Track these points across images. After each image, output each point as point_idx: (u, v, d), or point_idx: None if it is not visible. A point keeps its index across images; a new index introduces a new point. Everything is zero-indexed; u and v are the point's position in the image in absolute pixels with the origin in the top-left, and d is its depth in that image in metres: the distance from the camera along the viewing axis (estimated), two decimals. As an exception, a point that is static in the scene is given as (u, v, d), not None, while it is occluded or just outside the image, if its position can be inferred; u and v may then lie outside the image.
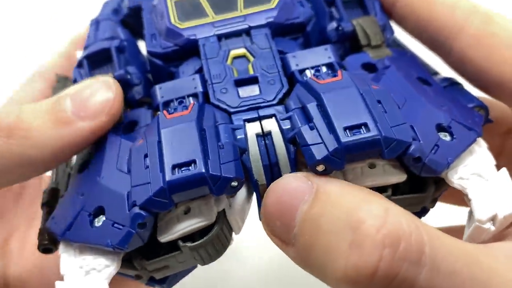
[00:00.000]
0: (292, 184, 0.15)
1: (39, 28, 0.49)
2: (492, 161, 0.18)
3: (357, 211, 0.14)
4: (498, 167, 0.18)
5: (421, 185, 0.17)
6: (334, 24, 0.21)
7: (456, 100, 0.20)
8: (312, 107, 0.17)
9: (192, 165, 0.15)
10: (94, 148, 0.19)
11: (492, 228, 0.16)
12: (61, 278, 0.17)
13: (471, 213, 0.17)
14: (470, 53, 0.20)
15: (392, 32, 0.22)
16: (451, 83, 0.21)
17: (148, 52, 0.20)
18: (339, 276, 0.14)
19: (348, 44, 0.21)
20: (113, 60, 0.21)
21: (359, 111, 0.16)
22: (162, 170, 0.15)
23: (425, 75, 0.20)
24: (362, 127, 0.16)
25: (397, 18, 0.22)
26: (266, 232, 0.15)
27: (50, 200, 0.20)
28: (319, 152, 0.15)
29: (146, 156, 0.16)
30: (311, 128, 0.16)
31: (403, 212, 0.14)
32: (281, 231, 0.15)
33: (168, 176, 0.15)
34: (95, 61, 0.21)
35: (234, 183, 0.16)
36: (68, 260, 0.17)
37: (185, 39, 0.20)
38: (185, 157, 0.15)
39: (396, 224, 0.13)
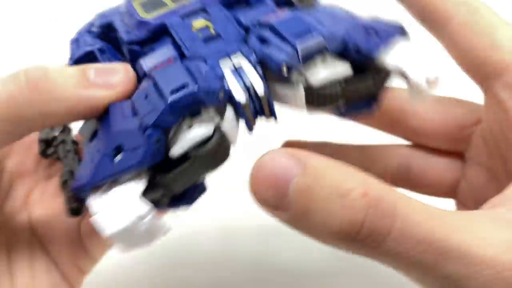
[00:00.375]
0: (282, 162, 0.17)
1: (39, 28, 0.52)
2: (415, 45, 0.22)
3: (343, 184, 0.17)
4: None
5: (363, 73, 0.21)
6: None
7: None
8: (266, 34, 0.21)
9: (185, 87, 0.19)
10: (101, 119, 0.22)
11: (427, 88, 0.20)
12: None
13: (409, 85, 0.21)
14: (457, 39, 0.23)
15: None
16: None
17: (126, 41, 0.24)
18: (335, 231, 0.17)
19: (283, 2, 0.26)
20: (98, 59, 0.25)
21: (303, 25, 0.21)
22: (163, 96, 0.19)
23: (350, 14, 0.25)
24: (308, 33, 0.20)
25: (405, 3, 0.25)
26: (256, 202, 0.18)
27: (69, 180, 0.23)
28: (279, 57, 0.20)
29: (146, 96, 0.20)
30: (268, 46, 0.21)
31: (378, 182, 0.18)
32: (274, 202, 0.17)
33: (168, 98, 0.19)
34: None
35: (221, 94, 0.20)
36: (97, 201, 0.20)
37: (153, 25, 0.24)
38: (178, 83, 0.19)
39: (375, 191, 0.17)
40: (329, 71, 0.21)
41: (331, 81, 0.21)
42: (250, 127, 0.21)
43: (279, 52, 0.20)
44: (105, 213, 0.19)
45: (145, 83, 0.21)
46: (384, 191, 0.17)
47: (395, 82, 0.23)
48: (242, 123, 0.21)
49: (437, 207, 0.18)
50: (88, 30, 0.28)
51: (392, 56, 0.21)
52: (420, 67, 0.21)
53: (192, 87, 0.19)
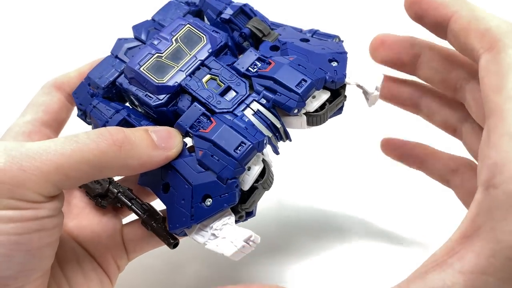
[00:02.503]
0: None
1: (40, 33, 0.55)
2: (359, 62, 0.33)
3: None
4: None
5: (337, 93, 0.32)
6: (236, 33, 0.34)
7: (324, 40, 0.35)
8: (272, 85, 0.30)
9: (242, 144, 0.28)
10: (166, 174, 0.29)
11: (377, 93, 0.32)
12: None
13: (366, 93, 0.32)
14: (459, 32, 0.26)
15: (268, 20, 0.36)
16: (314, 32, 0.36)
17: (154, 106, 0.31)
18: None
19: (251, 40, 0.34)
20: (131, 124, 0.31)
21: (297, 74, 0.30)
22: (230, 155, 0.27)
23: (301, 36, 0.34)
24: (302, 81, 0.30)
25: (452, 35, 0.28)
26: None
27: (151, 216, 0.31)
28: (291, 104, 0.29)
29: (212, 155, 0.28)
30: (279, 95, 0.30)
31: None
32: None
33: (235, 156, 0.27)
34: None
35: (265, 141, 0.29)
36: (199, 234, 0.28)
37: (173, 87, 0.31)
38: (236, 143, 0.28)
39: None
40: (318, 100, 0.31)
41: (320, 105, 0.31)
42: (276, 151, 0.31)
43: (290, 100, 0.29)
44: (221, 242, 0.27)
45: (203, 144, 0.29)
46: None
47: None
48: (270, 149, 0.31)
49: None
50: (91, 93, 0.33)
51: (350, 77, 0.32)
52: (371, 80, 0.32)
53: (248, 144, 0.28)
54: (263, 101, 0.30)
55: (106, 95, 0.33)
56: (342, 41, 0.35)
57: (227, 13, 0.34)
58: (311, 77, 0.30)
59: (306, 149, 0.48)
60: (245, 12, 0.35)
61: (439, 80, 0.32)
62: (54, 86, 0.34)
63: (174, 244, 0.30)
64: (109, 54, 0.34)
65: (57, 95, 0.34)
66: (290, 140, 0.32)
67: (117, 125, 0.31)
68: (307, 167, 0.47)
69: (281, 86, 0.30)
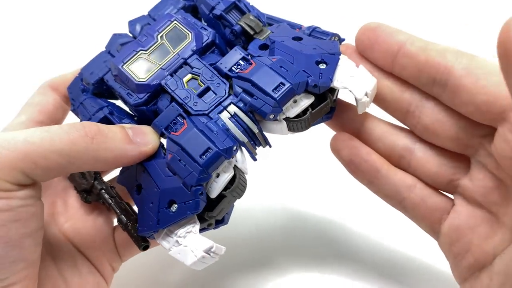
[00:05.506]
0: None
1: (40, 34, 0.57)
2: (352, 64, 0.30)
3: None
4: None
5: (323, 97, 0.30)
6: (228, 30, 0.33)
7: (319, 39, 0.32)
8: (249, 87, 0.28)
9: (209, 150, 0.27)
10: (140, 175, 0.29)
11: (367, 99, 0.29)
12: None
13: (355, 99, 0.29)
14: (462, 81, 0.26)
15: (264, 16, 0.34)
16: (312, 29, 0.33)
17: (134, 105, 0.30)
18: None
19: (244, 37, 0.33)
20: (112, 122, 0.31)
21: (275, 77, 0.28)
22: (195, 161, 0.26)
23: (296, 34, 0.32)
24: (281, 84, 0.28)
25: (398, 68, 0.29)
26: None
27: (126, 216, 0.31)
28: (266, 109, 0.27)
29: (179, 160, 0.27)
30: (256, 99, 0.28)
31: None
32: None
33: (200, 162, 0.26)
34: None
35: (234, 148, 0.27)
36: (166, 240, 0.28)
37: (152, 86, 0.30)
38: (202, 149, 0.27)
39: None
40: (299, 105, 0.28)
41: (302, 111, 0.29)
42: (253, 157, 0.29)
43: (265, 105, 0.27)
44: (181, 250, 0.27)
45: (172, 147, 0.28)
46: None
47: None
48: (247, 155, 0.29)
49: None
50: (82, 88, 0.33)
51: (339, 81, 0.29)
52: (360, 85, 0.29)
53: (214, 150, 0.26)
54: (241, 104, 0.29)
55: (97, 91, 0.33)
56: (343, 40, 0.33)
57: (219, 8, 0.32)
58: (291, 80, 0.28)
59: (305, 154, 0.46)
60: (239, 8, 0.33)
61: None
62: (50, 87, 0.35)
63: (143, 247, 0.30)
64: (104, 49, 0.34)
65: (53, 96, 0.35)
66: (270, 146, 0.30)
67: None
68: (310, 172, 0.46)
69: (258, 89, 0.28)
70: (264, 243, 0.41)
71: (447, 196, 0.30)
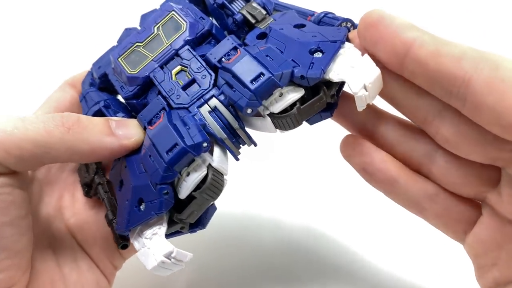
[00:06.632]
0: None
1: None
2: (357, 53, 0.26)
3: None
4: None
5: (317, 91, 0.26)
6: (230, 19, 0.30)
7: (326, 26, 0.28)
8: (230, 79, 0.25)
9: (176, 146, 0.24)
10: (122, 171, 0.28)
11: (366, 93, 0.24)
12: None
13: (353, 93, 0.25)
14: (484, 98, 0.21)
15: (271, 4, 0.31)
16: (324, 15, 0.29)
17: (124, 98, 0.29)
18: None
19: (246, 27, 0.30)
20: (105, 115, 0.30)
21: (256, 67, 0.25)
22: (161, 157, 0.24)
23: (300, 21, 0.29)
24: (260, 75, 0.24)
25: (407, 74, 0.24)
26: None
27: (114, 213, 0.30)
28: (242, 102, 0.24)
29: (150, 156, 0.25)
30: (234, 91, 0.25)
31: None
32: None
33: (165, 159, 0.24)
34: None
35: (205, 144, 0.25)
36: (137, 240, 0.26)
37: (141, 78, 0.29)
38: (170, 144, 0.24)
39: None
40: (284, 99, 0.25)
41: (288, 105, 0.25)
42: (235, 156, 0.26)
43: (242, 98, 0.24)
44: (144, 253, 0.25)
45: (147, 142, 0.26)
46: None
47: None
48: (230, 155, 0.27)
49: None
50: (90, 82, 0.33)
51: (335, 72, 0.25)
52: (359, 76, 0.24)
53: (181, 146, 0.24)
54: (222, 97, 0.26)
55: (102, 85, 0.33)
56: (357, 25, 0.28)
57: None
58: (274, 71, 0.24)
59: (312, 155, 0.43)
60: None
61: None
62: (69, 84, 0.35)
63: (121, 245, 0.28)
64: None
65: (71, 92, 0.35)
66: (255, 145, 0.27)
67: (92, 116, 0.30)
68: (315, 175, 0.43)
69: (237, 81, 0.25)
70: (266, 252, 0.39)
71: (473, 205, 0.27)
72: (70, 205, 0.33)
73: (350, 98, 0.28)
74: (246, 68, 0.25)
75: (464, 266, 0.29)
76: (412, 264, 0.38)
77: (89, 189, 0.33)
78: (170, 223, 0.26)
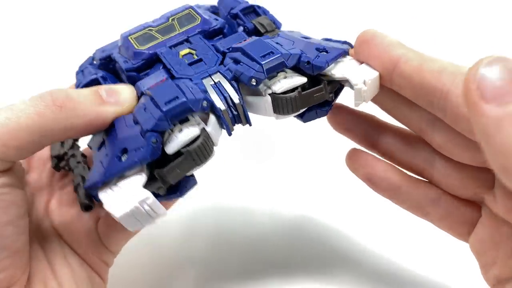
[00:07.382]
0: None
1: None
2: (357, 63, 0.28)
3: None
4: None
5: (318, 83, 0.27)
6: (241, 27, 0.33)
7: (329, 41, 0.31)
8: (239, 56, 0.27)
9: (176, 99, 0.24)
10: (107, 131, 0.27)
11: (365, 87, 0.26)
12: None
13: (353, 88, 0.27)
14: (460, 110, 0.23)
15: (279, 24, 0.33)
16: (325, 39, 0.32)
17: (125, 69, 0.30)
18: None
19: (255, 35, 0.32)
20: (101, 84, 0.30)
21: (267, 47, 0.26)
22: (158, 106, 0.24)
23: (306, 36, 0.31)
24: (270, 53, 0.26)
25: (396, 87, 0.26)
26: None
27: (80, 183, 0.28)
28: (249, 72, 0.25)
29: (145, 109, 0.25)
30: (241, 65, 0.26)
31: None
32: None
33: (163, 108, 0.24)
34: None
35: (205, 103, 0.25)
36: (107, 194, 0.24)
37: (148, 54, 0.29)
38: (170, 97, 0.24)
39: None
40: (288, 80, 0.26)
41: (290, 88, 0.26)
42: (229, 130, 0.26)
43: (249, 70, 0.25)
44: (115, 200, 0.23)
45: (143, 99, 0.26)
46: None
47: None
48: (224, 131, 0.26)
49: None
50: (90, 63, 0.34)
51: (338, 69, 0.27)
52: (359, 73, 0.26)
53: (182, 98, 0.24)
54: (227, 72, 0.27)
55: (102, 67, 0.33)
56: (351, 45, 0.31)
57: (237, 8, 0.33)
58: (282, 51, 0.26)
59: (312, 156, 0.44)
60: (256, 12, 0.33)
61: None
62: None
63: (85, 206, 0.26)
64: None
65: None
66: (250, 125, 0.27)
67: (87, 83, 0.30)
68: (316, 175, 0.43)
69: (246, 57, 0.26)
70: (267, 248, 0.39)
71: (474, 207, 0.28)
72: (57, 208, 0.31)
73: (354, 113, 0.31)
74: (257, 46, 0.26)
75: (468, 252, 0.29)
76: (416, 258, 0.38)
77: (58, 161, 0.31)
78: (149, 180, 0.24)
